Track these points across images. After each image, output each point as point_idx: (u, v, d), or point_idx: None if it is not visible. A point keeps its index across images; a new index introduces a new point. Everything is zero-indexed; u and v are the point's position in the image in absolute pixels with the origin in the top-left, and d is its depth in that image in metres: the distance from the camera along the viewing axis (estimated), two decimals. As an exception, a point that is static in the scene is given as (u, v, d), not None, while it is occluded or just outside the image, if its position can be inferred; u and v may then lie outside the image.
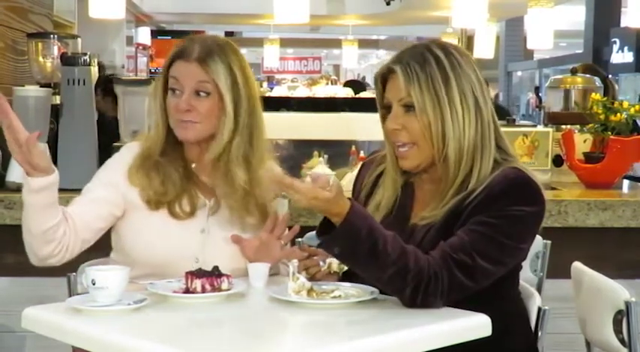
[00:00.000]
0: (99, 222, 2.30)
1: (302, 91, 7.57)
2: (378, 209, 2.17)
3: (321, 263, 2.12)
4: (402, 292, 1.94)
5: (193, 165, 2.36)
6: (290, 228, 2.34)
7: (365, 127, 4.97)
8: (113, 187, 2.31)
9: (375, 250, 1.91)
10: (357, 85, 8.59)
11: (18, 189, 3.14)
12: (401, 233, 2.02)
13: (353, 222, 1.90)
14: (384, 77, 2.12)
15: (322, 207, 1.90)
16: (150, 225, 2.29)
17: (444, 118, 2.03)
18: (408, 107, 2.06)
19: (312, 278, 2.11)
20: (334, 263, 2.11)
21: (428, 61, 2.05)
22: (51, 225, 2.18)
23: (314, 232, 2.75)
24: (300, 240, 2.60)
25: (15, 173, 3.21)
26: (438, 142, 2.04)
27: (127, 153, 2.37)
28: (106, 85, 3.34)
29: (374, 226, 1.94)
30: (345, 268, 2.11)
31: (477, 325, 1.89)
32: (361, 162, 2.43)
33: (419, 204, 2.16)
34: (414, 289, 1.92)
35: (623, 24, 14.59)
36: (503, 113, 6.57)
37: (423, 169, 2.12)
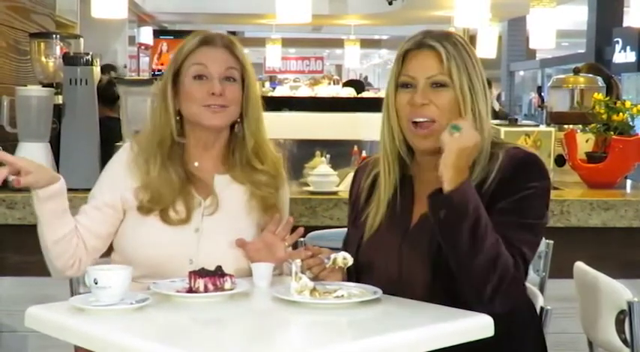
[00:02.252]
0: (106, 228, 2.32)
1: (304, 91, 7.56)
2: (379, 207, 2.19)
3: (325, 259, 2.12)
4: (484, 287, 1.96)
5: (196, 164, 2.36)
6: (294, 230, 2.33)
7: (367, 127, 4.96)
8: (112, 190, 2.32)
9: (475, 228, 1.95)
10: (357, 84, 8.58)
11: (20, 188, 3.16)
12: (406, 225, 2.10)
13: (466, 191, 1.95)
14: (409, 54, 2.15)
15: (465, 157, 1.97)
16: (145, 225, 2.29)
17: (478, 98, 2.11)
18: (438, 84, 2.11)
19: (315, 277, 2.11)
20: (339, 258, 2.10)
21: (458, 44, 2.13)
22: (63, 234, 2.22)
23: (317, 232, 2.76)
24: (302, 239, 2.60)
25: (17, 173, 3.22)
26: (474, 121, 2.09)
27: (124, 154, 2.37)
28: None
29: (481, 206, 1.97)
30: (350, 263, 2.11)
31: (480, 325, 1.89)
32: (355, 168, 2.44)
33: (420, 196, 2.16)
34: (496, 286, 1.96)
35: (625, 24, 14.60)
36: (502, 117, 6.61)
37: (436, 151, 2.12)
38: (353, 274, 2.18)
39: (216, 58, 2.31)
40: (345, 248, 2.28)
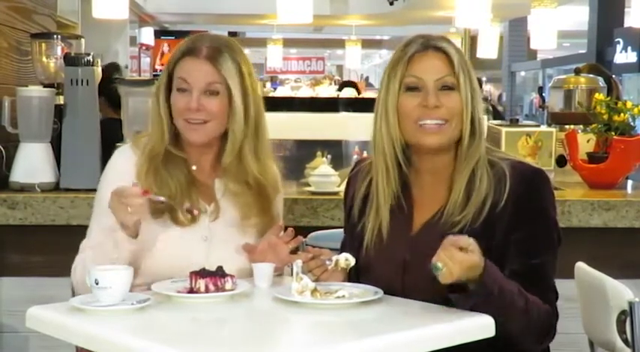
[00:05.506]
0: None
1: (305, 91, 7.59)
2: (379, 215, 2.17)
3: (327, 261, 2.11)
4: (525, 342, 2.05)
5: (194, 168, 2.33)
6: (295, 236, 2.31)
7: (368, 127, 4.95)
8: None
9: (504, 306, 1.94)
10: (352, 85, 8.57)
11: (21, 189, 3.17)
12: (408, 233, 2.10)
13: (486, 283, 1.90)
14: (414, 56, 2.12)
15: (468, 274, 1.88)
16: (152, 235, 2.24)
17: (475, 100, 2.11)
18: (446, 87, 2.10)
19: (317, 279, 2.10)
20: (341, 259, 2.10)
21: (457, 47, 2.14)
22: None
23: (317, 232, 2.76)
24: (303, 240, 2.59)
25: (18, 173, 3.22)
26: (472, 121, 2.10)
27: (122, 160, 2.33)
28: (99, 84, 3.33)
29: (503, 285, 1.94)
30: (352, 264, 2.10)
31: (482, 325, 1.89)
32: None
33: (420, 202, 2.17)
34: (537, 340, 2.08)
35: (626, 24, 14.58)
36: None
37: (445, 148, 2.13)
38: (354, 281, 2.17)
39: (196, 72, 2.23)
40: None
